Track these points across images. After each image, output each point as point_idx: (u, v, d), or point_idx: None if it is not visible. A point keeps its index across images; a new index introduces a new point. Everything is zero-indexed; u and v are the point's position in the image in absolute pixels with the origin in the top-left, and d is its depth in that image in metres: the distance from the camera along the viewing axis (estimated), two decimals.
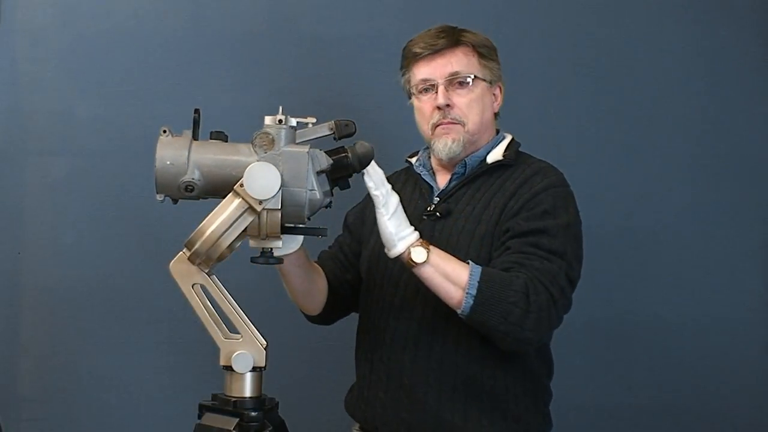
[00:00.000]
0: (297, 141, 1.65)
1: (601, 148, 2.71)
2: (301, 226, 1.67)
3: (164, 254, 1.71)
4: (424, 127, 2.00)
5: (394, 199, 1.76)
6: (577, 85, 2.71)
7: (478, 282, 1.76)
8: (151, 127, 1.69)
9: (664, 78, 2.72)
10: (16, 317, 2.62)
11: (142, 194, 2.42)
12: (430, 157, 2.07)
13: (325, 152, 1.66)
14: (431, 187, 2.04)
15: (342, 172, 1.69)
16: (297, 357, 2.52)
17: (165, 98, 2.59)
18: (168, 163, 1.62)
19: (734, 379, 2.73)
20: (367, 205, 2.12)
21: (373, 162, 1.71)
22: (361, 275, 2.10)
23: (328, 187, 1.67)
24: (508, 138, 2.06)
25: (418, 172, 2.06)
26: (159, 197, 1.66)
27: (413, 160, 2.11)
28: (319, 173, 1.63)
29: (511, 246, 1.85)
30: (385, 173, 1.76)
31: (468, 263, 1.80)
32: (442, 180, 2.04)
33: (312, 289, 2.04)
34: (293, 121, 1.65)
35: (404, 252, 1.77)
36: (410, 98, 2.05)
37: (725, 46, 2.73)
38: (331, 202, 1.70)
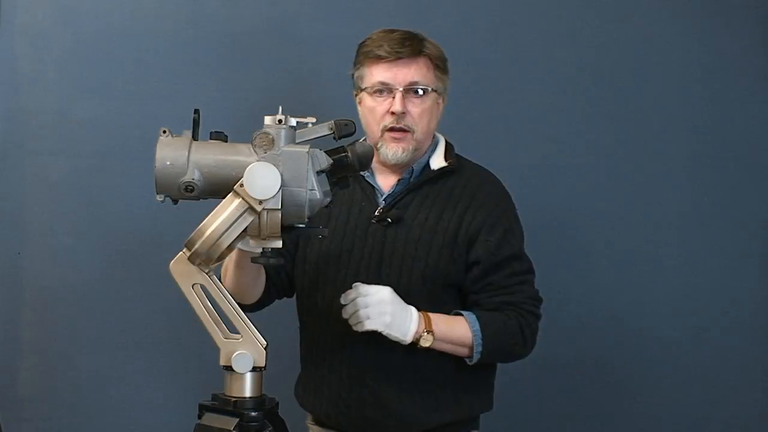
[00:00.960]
0: (297, 141, 1.65)
1: (599, 148, 2.71)
2: (300, 225, 1.67)
3: (164, 254, 1.71)
4: (374, 127, 2.02)
5: (385, 307, 1.86)
6: (577, 86, 2.71)
7: (482, 339, 1.94)
8: (151, 128, 1.68)
9: (663, 79, 2.73)
10: (16, 317, 2.61)
11: (142, 194, 2.42)
12: None
13: (324, 152, 1.66)
14: (373, 188, 2.06)
15: (342, 172, 1.69)
16: (297, 357, 2.51)
17: (165, 98, 2.58)
18: (168, 163, 1.62)
19: (734, 381, 2.73)
20: None
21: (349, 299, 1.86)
22: (296, 263, 2.11)
23: (328, 187, 1.67)
24: (443, 141, 2.11)
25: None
26: (159, 198, 1.66)
27: None
28: (319, 173, 1.63)
29: (493, 282, 1.99)
30: None
31: (462, 315, 1.96)
32: (385, 182, 2.07)
33: (258, 281, 2.07)
34: (293, 121, 1.64)
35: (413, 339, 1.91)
36: (358, 92, 2.06)
37: (725, 47, 2.73)
38: (330, 201, 1.70)
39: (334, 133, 1.69)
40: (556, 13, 2.72)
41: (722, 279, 2.73)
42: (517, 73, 2.67)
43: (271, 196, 1.57)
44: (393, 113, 1.98)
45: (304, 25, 2.68)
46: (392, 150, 2.00)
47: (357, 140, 1.74)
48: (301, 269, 2.10)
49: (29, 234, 2.61)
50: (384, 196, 2.05)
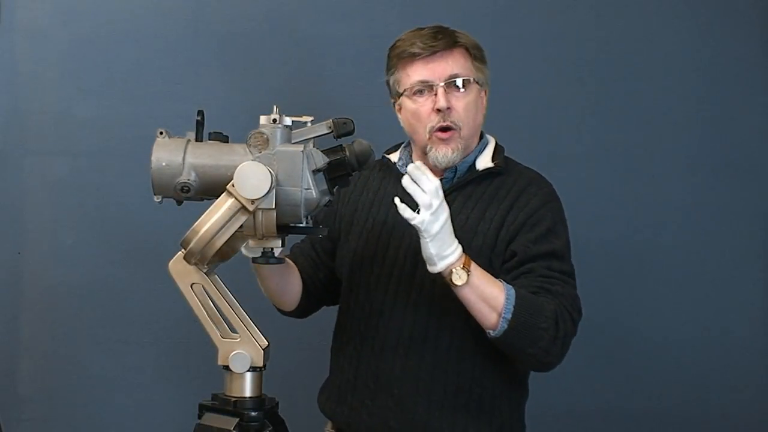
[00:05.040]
0: (296, 140, 1.65)
1: (599, 148, 2.71)
2: (300, 225, 1.66)
3: (164, 254, 1.71)
4: (420, 131, 1.92)
5: (441, 218, 1.72)
6: (576, 86, 2.71)
7: (514, 307, 1.76)
8: (151, 128, 1.69)
9: (663, 79, 2.72)
10: (16, 317, 2.62)
11: (142, 194, 2.42)
12: (411, 156, 2.02)
13: (322, 151, 1.66)
14: None
15: (340, 171, 1.68)
16: (297, 357, 2.51)
17: (165, 98, 2.59)
18: (163, 164, 1.63)
19: (734, 381, 2.73)
20: (340, 200, 2.07)
21: (418, 178, 1.71)
22: (335, 273, 2.07)
23: (325, 186, 1.66)
24: (493, 142, 2.03)
25: (403, 173, 1.97)
26: (156, 198, 1.66)
27: (393, 157, 2.06)
28: (315, 172, 1.62)
29: (531, 270, 1.85)
30: None
31: (502, 283, 1.80)
32: None
33: (287, 289, 2.03)
34: (288, 120, 1.64)
35: (444, 271, 1.76)
36: (396, 99, 1.98)
37: (725, 47, 2.73)
38: (330, 200, 1.70)
39: (333, 132, 1.69)
40: (556, 13, 2.71)
41: (722, 279, 2.72)
42: (515, 73, 2.66)
43: (262, 195, 1.56)
44: (438, 111, 1.88)
45: (303, 25, 2.68)
46: (442, 152, 1.90)
47: (356, 139, 1.72)
48: (340, 272, 2.05)
49: (29, 234, 2.62)
50: None
